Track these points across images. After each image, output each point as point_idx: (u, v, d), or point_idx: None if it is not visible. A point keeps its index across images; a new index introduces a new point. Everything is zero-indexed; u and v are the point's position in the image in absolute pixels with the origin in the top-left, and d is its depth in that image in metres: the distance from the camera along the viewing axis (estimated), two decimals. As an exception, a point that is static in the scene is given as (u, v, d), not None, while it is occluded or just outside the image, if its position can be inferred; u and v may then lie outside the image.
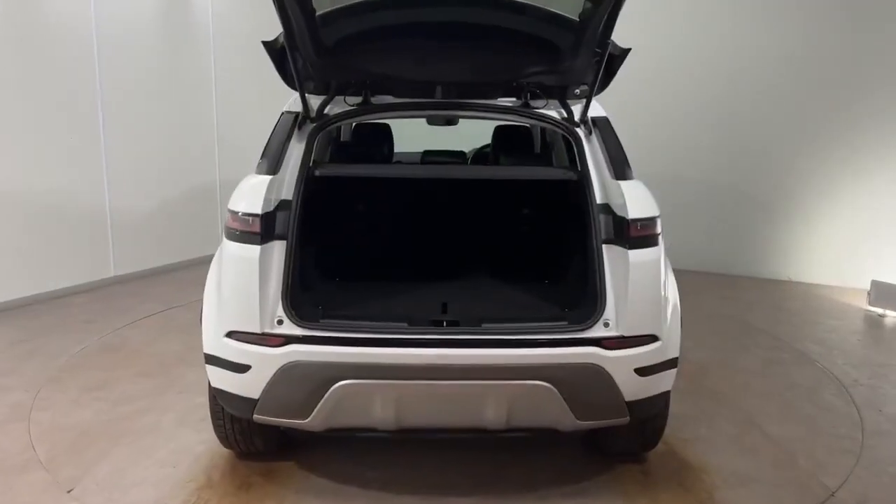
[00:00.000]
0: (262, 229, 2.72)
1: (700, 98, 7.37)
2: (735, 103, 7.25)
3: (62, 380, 4.27)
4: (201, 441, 3.45)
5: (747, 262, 7.43)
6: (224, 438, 3.20)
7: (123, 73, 6.55)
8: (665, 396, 2.94)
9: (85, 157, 6.29)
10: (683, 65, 7.37)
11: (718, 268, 7.40)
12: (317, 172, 3.06)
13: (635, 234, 2.74)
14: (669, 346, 2.84)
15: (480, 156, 5.13)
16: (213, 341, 2.80)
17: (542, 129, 4.53)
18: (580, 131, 3.15)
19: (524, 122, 3.36)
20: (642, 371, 2.75)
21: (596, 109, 3.24)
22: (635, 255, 2.73)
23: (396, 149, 4.22)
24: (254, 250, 2.70)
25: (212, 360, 2.83)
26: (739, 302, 6.44)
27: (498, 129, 4.05)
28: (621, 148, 3.03)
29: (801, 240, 7.22)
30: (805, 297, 6.72)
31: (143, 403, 3.94)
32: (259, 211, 2.72)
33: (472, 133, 5.26)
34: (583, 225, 3.00)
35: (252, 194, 2.78)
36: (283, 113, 3.15)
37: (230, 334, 2.74)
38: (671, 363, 2.87)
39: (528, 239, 3.83)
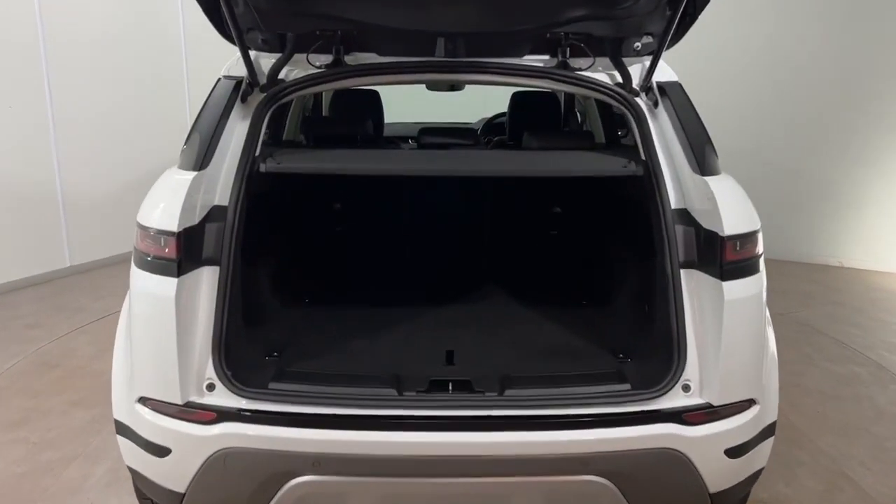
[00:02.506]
0: (180, 252, 1.84)
1: (749, 68, 6.51)
2: (786, 74, 6.39)
3: (-24, 413, 3.46)
4: (133, 510, 2.65)
5: (793, 245, 6.59)
6: (156, 519, 2.39)
7: (72, 35, 5.60)
8: (758, 475, 2.11)
9: (28, 131, 5.40)
10: (733, 36, 6.47)
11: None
12: (262, 168, 2.15)
13: (732, 258, 1.86)
14: (769, 408, 2.02)
15: (492, 128, 4.20)
16: (123, 406, 1.99)
17: (570, 94, 3.61)
18: (642, 102, 2.23)
19: (562, 88, 2.42)
20: (735, 451, 1.92)
21: (664, 72, 2.29)
22: (732, 288, 1.85)
23: (387, 118, 3.32)
24: (169, 285, 1.82)
25: (122, 430, 2.01)
26: (790, 295, 5.58)
27: (517, 97, 3.15)
28: (703, 127, 2.11)
29: (854, 222, 6.40)
30: (863, 287, 5.87)
31: (70, 448, 3.14)
32: (175, 227, 1.83)
33: (482, 97, 4.35)
34: (644, 236, 2.12)
35: (167, 200, 1.88)
36: (219, 78, 2.22)
37: (143, 400, 1.91)
38: (769, 430, 2.06)
39: (559, 248, 2.94)
